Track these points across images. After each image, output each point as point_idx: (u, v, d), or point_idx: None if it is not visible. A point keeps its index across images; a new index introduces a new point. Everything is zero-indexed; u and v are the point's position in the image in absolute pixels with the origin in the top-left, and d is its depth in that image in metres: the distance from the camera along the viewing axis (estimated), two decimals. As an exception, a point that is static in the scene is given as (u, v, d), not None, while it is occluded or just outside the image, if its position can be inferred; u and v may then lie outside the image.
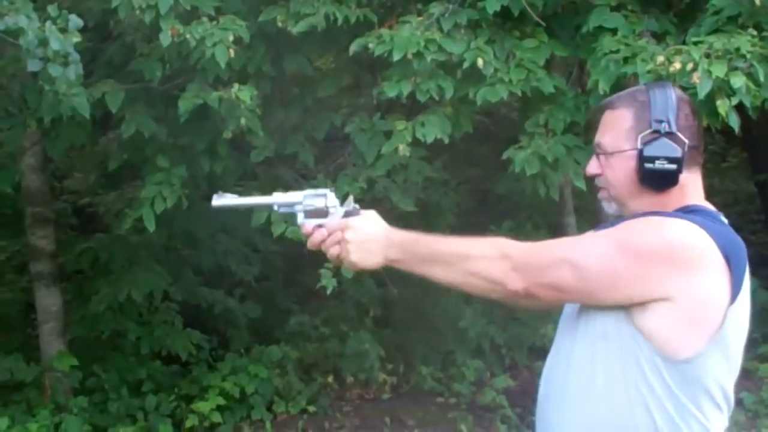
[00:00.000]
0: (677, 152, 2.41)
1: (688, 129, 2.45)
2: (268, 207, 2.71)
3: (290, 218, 2.71)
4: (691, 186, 2.48)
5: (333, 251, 2.56)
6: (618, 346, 2.35)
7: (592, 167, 2.55)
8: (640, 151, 2.42)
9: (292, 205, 2.63)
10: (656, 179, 2.42)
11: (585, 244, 2.46)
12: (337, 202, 2.61)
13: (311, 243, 2.60)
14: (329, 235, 2.57)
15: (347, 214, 2.58)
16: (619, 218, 2.50)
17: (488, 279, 2.42)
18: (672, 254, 2.30)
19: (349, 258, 2.54)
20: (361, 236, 2.53)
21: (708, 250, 2.31)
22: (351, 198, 2.64)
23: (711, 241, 2.31)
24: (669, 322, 2.29)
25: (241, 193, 2.74)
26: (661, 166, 2.41)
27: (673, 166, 2.41)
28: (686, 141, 2.42)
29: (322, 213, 2.59)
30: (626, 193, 2.48)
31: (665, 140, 2.41)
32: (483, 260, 2.43)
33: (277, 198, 2.65)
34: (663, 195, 2.44)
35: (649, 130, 2.43)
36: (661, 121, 2.42)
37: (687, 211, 2.41)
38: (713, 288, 2.31)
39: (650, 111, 2.44)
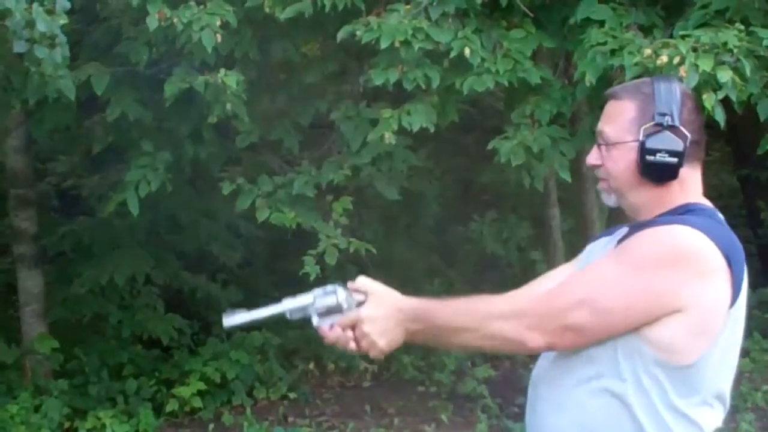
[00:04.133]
0: (679, 146, 2.40)
1: (691, 123, 2.44)
2: (281, 315, 2.60)
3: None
4: (691, 181, 2.47)
5: (351, 347, 2.49)
6: (614, 350, 2.34)
7: (593, 158, 2.53)
8: (642, 143, 2.41)
9: (304, 308, 2.54)
10: (657, 172, 2.42)
11: (598, 280, 2.40)
12: (346, 294, 2.53)
13: (328, 341, 2.53)
14: (343, 331, 2.49)
15: (360, 305, 2.50)
16: (623, 226, 2.50)
17: (508, 340, 2.39)
18: (681, 265, 2.30)
19: (377, 347, 2.46)
20: (379, 324, 2.46)
21: (712, 256, 2.31)
22: (358, 281, 2.57)
23: (714, 246, 2.31)
24: (679, 331, 2.29)
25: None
26: (662, 159, 2.40)
27: (674, 160, 2.40)
28: (688, 135, 2.41)
29: (337, 310, 2.51)
30: (626, 184, 2.47)
31: (668, 133, 2.40)
32: (499, 322, 2.38)
33: (288, 304, 2.55)
34: (662, 188, 2.44)
35: (651, 123, 2.41)
36: (664, 114, 2.41)
37: (687, 211, 2.41)
38: (718, 294, 2.31)
39: (654, 103, 2.43)
